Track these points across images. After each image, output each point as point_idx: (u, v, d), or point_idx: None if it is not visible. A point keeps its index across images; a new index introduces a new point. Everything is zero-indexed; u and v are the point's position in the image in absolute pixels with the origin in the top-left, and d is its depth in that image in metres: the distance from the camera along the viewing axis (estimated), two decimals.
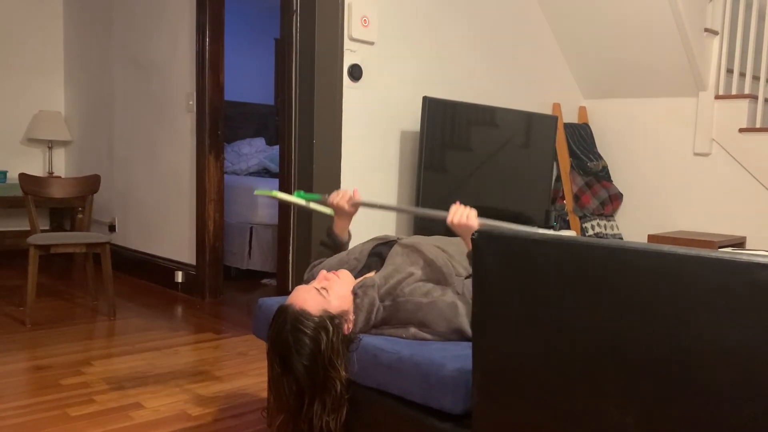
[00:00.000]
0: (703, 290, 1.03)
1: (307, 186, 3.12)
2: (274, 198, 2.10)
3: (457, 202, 1.80)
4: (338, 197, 2.02)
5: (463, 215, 1.75)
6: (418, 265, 1.79)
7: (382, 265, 1.86)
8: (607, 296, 1.13)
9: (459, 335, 1.69)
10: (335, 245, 2.07)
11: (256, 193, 2.20)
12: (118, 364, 2.80)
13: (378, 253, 1.92)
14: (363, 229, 2.80)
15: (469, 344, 1.39)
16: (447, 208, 1.81)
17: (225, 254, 4.29)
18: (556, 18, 4.24)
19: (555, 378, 1.21)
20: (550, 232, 1.15)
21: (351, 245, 2.10)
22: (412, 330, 1.71)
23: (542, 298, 1.22)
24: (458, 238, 2.01)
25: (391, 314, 1.74)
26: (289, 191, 3.26)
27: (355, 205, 2.03)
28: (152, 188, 4.51)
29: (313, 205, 2.11)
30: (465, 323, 1.67)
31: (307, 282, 1.98)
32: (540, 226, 3.87)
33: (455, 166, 3.42)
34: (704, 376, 1.03)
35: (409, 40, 3.47)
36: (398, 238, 1.98)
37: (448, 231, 1.84)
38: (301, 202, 2.09)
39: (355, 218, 2.10)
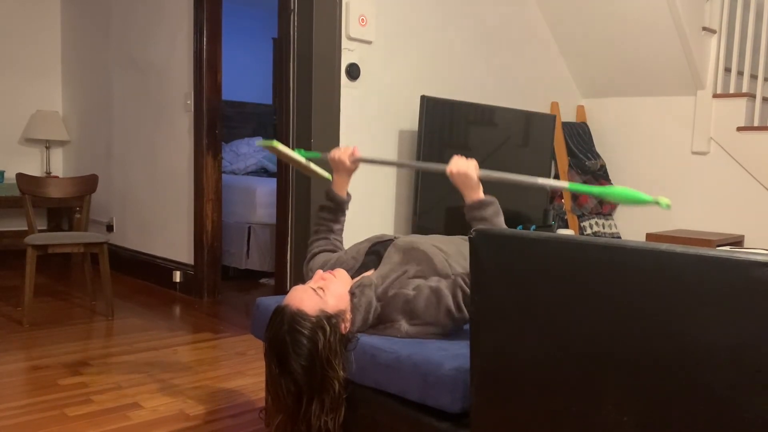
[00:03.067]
0: (701, 289, 1.02)
1: (304, 186, 3.12)
2: (275, 150, 2.03)
3: (458, 155, 1.80)
4: (339, 152, 2.01)
5: (462, 165, 1.76)
6: (415, 263, 1.79)
7: (379, 263, 1.85)
8: (605, 295, 1.13)
9: (450, 318, 1.69)
10: (336, 204, 2.06)
11: (257, 144, 2.14)
12: (116, 364, 2.80)
13: (375, 251, 1.92)
14: (361, 229, 2.80)
15: (467, 343, 1.39)
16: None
17: (223, 254, 4.29)
18: (555, 17, 4.24)
19: (553, 377, 1.21)
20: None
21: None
22: (404, 327, 1.71)
23: (540, 297, 1.22)
24: (457, 237, 2.00)
25: (383, 311, 1.73)
26: (287, 190, 3.26)
27: (356, 162, 2.02)
28: (150, 188, 4.50)
29: (313, 166, 2.07)
30: (451, 303, 1.67)
31: (306, 274, 1.97)
32: (539, 226, 3.88)
33: None
34: (702, 374, 1.03)
35: (407, 39, 3.47)
36: (395, 237, 1.98)
37: (446, 230, 1.82)
38: (301, 159, 2.06)
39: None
